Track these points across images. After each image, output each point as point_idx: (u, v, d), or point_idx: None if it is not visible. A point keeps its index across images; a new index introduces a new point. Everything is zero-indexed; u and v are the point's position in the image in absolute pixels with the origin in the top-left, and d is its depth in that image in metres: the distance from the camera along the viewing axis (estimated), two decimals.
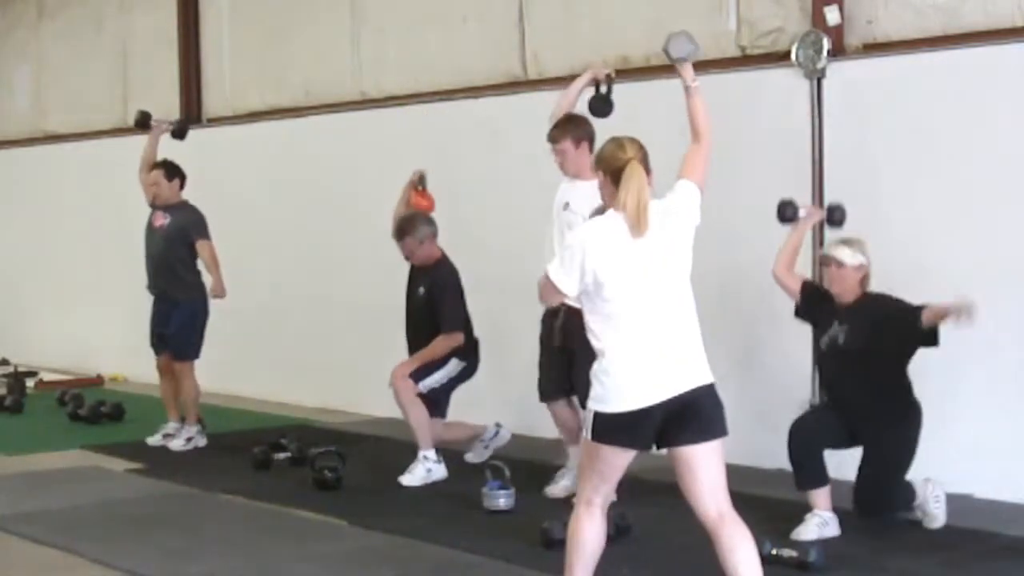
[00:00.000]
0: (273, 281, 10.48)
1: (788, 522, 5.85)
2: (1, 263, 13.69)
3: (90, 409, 9.62)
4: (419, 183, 7.62)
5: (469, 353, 7.36)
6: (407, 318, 7.48)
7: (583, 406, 5.32)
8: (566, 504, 5.33)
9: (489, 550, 5.74)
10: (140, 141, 8.98)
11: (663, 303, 4.27)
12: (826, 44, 7.10)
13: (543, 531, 5.69)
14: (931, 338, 5.78)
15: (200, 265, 8.47)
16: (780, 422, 6.17)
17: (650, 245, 4.27)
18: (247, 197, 10.66)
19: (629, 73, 7.79)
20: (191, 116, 11.11)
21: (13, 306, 13.40)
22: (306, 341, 10.26)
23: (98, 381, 11.69)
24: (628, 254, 4.27)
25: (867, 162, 7.01)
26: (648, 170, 4.36)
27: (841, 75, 7.12)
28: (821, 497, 5.90)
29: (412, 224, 7.32)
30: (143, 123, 8.98)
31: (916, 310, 5.75)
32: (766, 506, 6.05)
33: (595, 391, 4.29)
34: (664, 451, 4.33)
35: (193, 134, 9.22)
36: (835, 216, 6.26)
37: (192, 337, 8.48)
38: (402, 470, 7.18)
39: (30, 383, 11.27)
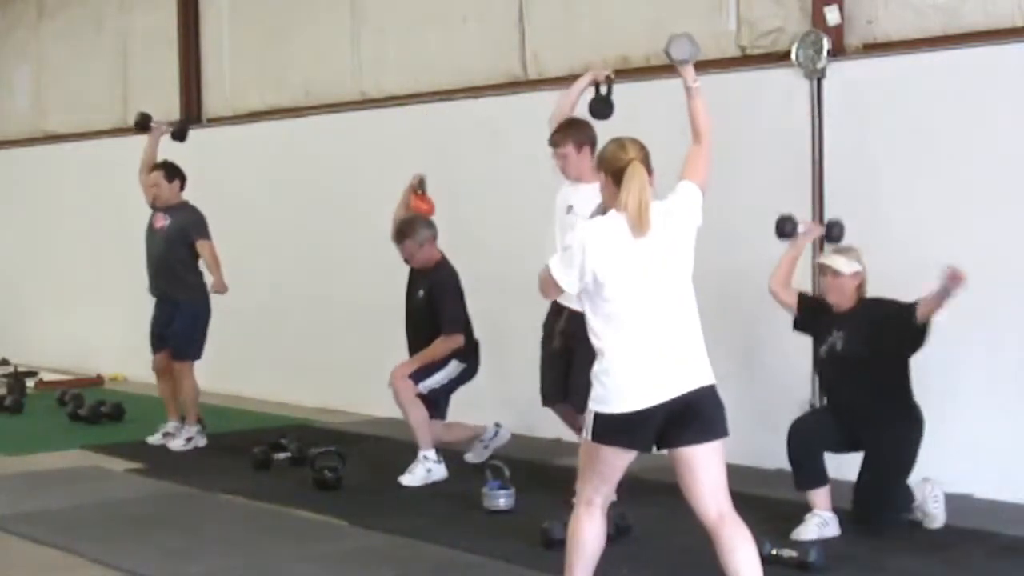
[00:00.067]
0: (273, 281, 10.47)
1: (788, 522, 5.85)
2: (1, 263, 13.69)
3: (90, 409, 9.62)
4: (419, 187, 7.62)
5: (469, 355, 7.36)
6: (407, 320, 7.48)
7: (579, 411, 5.31)
8: (566, 504, 5.33)
9: (489, 550, 5.74)
10: (140, 141, 8.98)
11: (664, 303, 4.27)
12: (826, 44, 7.10)
13: (543, 531, 5.69)
14: (926, 332, 5.79)
15: (201, 266, 8.46)
16: (780, 422, 6.18)
17: (651, 245, 4.27)
18: (247, 197, 10.66)
19: (629, 73, 7.79)
20: (191, 116, 11.13)
21: (13, 306, 13.39)
22: (306, 341, 10.26)
23: (98, 381, 11.68)
24: (629, 254, 4.26)
25: (867, 162, 7.01)
26: (650, 170, 4.35)
27: (841, 75, 7.12)
28: (821, 497, 5.90)
29: (412, 227, 7.32)
30: (143, 125, 8.97)
31: (911, 307, 5.77)
32: (766, 506, 6.05)
33: (596, 392, 4.29)
34: (664, 451, 4.33)
35: (193, 134, 9.23)
36: (834, 232, 6.25)
37: (194, 337, 8.48)
38: (402, 470, 7.18)
39: (30, 383, 11.26)
